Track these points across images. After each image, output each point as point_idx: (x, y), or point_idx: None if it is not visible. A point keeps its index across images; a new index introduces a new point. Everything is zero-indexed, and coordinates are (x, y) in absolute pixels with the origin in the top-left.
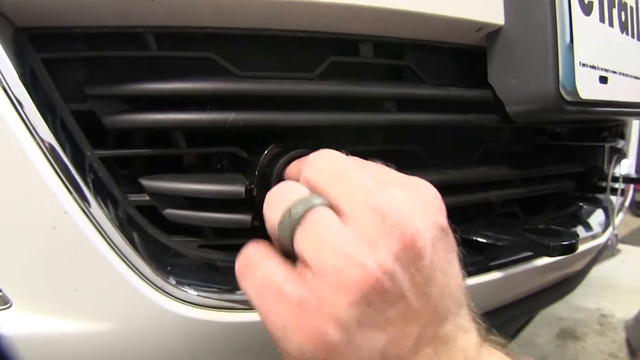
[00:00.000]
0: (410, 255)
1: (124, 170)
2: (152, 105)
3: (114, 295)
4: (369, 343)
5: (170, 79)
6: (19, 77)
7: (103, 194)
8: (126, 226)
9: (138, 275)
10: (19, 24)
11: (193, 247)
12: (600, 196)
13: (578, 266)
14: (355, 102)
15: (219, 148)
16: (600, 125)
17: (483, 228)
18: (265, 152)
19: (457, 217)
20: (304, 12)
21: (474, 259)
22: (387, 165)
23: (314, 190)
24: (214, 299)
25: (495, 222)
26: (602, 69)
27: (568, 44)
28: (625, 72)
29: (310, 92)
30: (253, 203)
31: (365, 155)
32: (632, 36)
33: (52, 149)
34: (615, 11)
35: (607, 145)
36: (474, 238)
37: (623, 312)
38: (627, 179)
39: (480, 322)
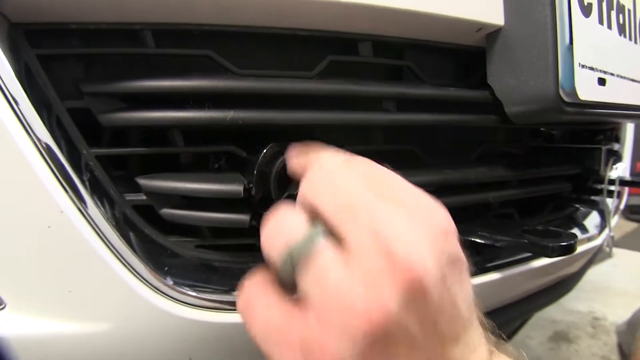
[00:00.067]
0: (418, 294)
1: (120, 169)
2: (149, 103)
3: (110, 295)
4: None
5: (168, 77)
6: (15, 74)
7: (99, 193)
8: (123, 226)
9: (135, 275)
10: (14, 19)
11: (190, 247)
12: (596, 198)
13: (574, 268)
14: (354, 101)
15: (217, 147)
16: (597, 128)
17: (481, 229)
18: (264, 151)
19: (455, 217)
20: (303, 10)
21: (471, 259)
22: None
23: (315, 215)
24: (211, 299)
25: (492, 223)
26: (600, 71)
27: (568, 45)
28: (622, 75)
29: (309, 91)
30: (251, 203)
31: (363, 155)
32: (630, 39)
33: (47, 147)
34: (613, 14)
35: (604, 148)
36: (472, 239)
37: (615, 315)
38: (623, 182)
39: (488, 327)
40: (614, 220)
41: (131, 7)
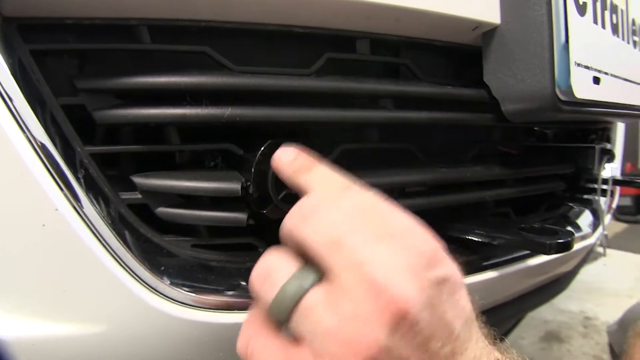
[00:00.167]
0: (405, 322)
1: (115, 168)
2: (145, 100)
3: (105, 296)
4: None
5: (165, 73)
6: (9, 70)
7: (94, 192)
8: (118, 224)
9: (131, 275)
10: (7, 13)
11: (186, 246)
12: (590, 197)
13: (569, 266)
14: (352, 99)
15: (214, 145)
16: (589, 128)
17: (478, 227)
18: (262, 148)
19: (453, 216)
20: (301, 6)
21: (467, 258)
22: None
23: (301, 249)
24: (209, 299)
25: (489, 222)
26: (595, 70)
27: (563, 44)
28: (615, 74)
29: (307, 88)
30: (249, 201)
31: (361, 154)
32: (622, 38)
33: (42, 145)
34: (607, 13)
35: (597, 147)
36: (470, 237)
37: (606, 314)
38: (616, 181)
39: (493, 335)
40: (607, 219)
41: (127, 2)
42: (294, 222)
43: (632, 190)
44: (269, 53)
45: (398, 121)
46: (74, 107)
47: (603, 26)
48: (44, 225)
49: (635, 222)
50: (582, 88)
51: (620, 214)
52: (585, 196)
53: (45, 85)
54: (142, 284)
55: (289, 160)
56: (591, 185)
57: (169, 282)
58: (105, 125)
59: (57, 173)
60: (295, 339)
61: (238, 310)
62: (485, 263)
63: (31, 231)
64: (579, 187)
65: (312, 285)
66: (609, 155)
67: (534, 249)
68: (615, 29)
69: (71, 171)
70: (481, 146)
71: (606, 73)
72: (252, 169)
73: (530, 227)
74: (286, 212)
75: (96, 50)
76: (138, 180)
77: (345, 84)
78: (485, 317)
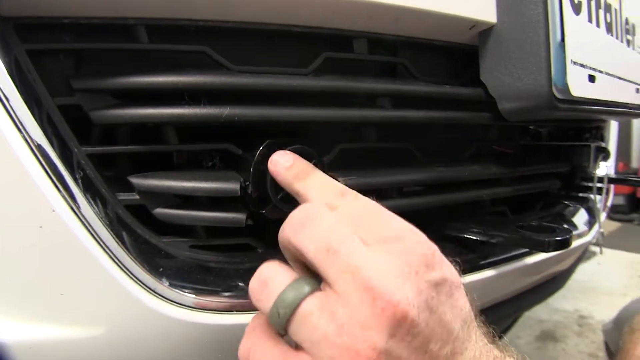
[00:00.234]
0: (403, 325)
1: (113, 168)
2: (142, 100)
3: (103, 297)
4: None
5: (162, 72)
6: (6, 70)
7: (91, 192)
8: (116, 226)
9: (129, 276)
10: (3, 12)
11: (184, 247)
12: (585, 195)
13: (565, 265)
14: (350, 98)
15: (212, 145)
16: (584, 126)
17: (476, 226)
18: (261, 148)
19: (450, 215)
20: (301, 6)
21: (465, 257)
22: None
23: (302, 261)
24: (208, 300)
25: (486, 220)
26: (590, 68)
27: (559, 42)
28: (610, 72)
29: (305, 88)
30: (248, 201)
31: (359, 154)
32: (616, 37)
33: (39, 145)
34: (601, 12)
35: (592, 145)
36: (468, 236)
37: (601, 313)
38: (611, 179)
39: (486, 331)
40: (602, 217)
41: (125, 1)
42: (291, 230)
43: (625, 189)
44: (268, 53)
45: (396, 120)
46: (71, 107)
47: (597, 25)
48: (41, 226)
49: (629, 220)
50: (578, 86)
51: (613, 212)
52: (581, 194)
53: (42, 85)
54: (140, 285)
55: (286, 166)
56: (586, 184)
57: (167, 283)
58: (102, 125)
59: (54, 174)
60: (296, 347)
61: (237, 311)
62: (483, 262)
63: (28, 233)
64: (575, 186)
65: (309, 293)
66: (604, 154)
67: (533, 247)
68: (609, 28)
69: (68, 172)
70: (478, 145)
71: (601, 71)
72: (251, 169)
73: (528, 225)
74: (285, 212)
75: (93, 49)
76: (135, 180)
77: (343, 83)
78: (483, 316)
